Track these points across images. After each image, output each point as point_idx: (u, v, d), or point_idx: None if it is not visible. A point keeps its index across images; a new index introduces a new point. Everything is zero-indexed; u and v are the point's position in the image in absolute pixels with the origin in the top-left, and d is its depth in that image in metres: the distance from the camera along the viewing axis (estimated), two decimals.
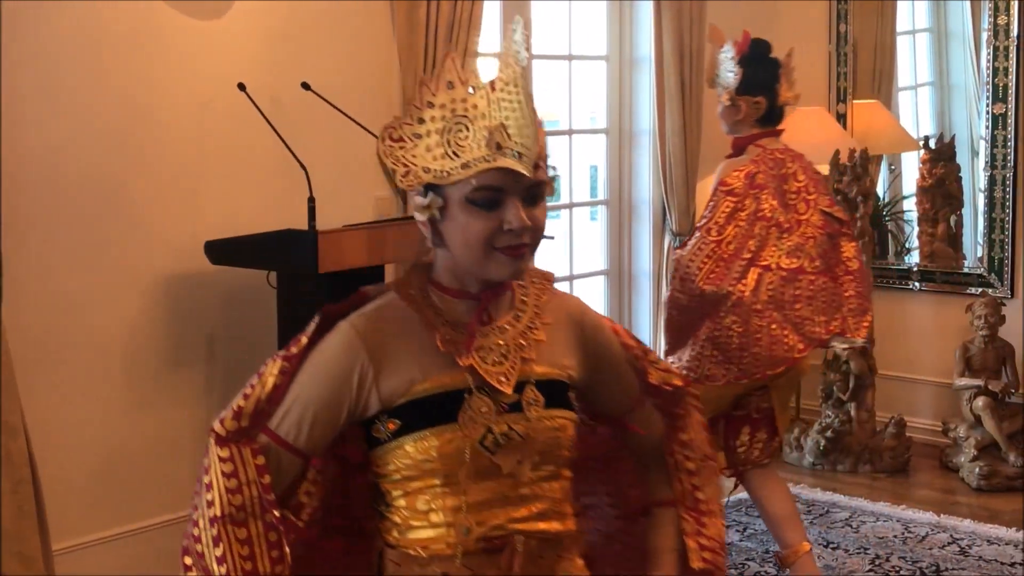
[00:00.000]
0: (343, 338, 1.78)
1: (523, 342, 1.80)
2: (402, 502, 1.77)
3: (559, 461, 1.80)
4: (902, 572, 4.23)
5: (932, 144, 5.85)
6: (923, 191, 5.87)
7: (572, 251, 5.62)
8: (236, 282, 4.04)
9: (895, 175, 6.25)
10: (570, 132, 5.58)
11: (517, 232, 1.70)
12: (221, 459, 1.74)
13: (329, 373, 1.76)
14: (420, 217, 1.76)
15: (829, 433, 5.45)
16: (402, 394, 1.75)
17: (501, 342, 1.78)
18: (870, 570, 4.25)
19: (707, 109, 5.63)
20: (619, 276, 5.75)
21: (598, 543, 2.02)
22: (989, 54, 5.46)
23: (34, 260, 3.60)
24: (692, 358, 3.75)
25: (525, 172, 1.68)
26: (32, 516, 3.34)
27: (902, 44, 6.16)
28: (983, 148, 5.56)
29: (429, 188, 1.74)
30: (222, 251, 3.83)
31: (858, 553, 4.40)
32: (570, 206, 5.67)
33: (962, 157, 5.80)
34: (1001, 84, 5.44)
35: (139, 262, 3.87)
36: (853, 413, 5.46)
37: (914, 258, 5.97)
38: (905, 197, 6.14)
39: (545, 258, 5.51)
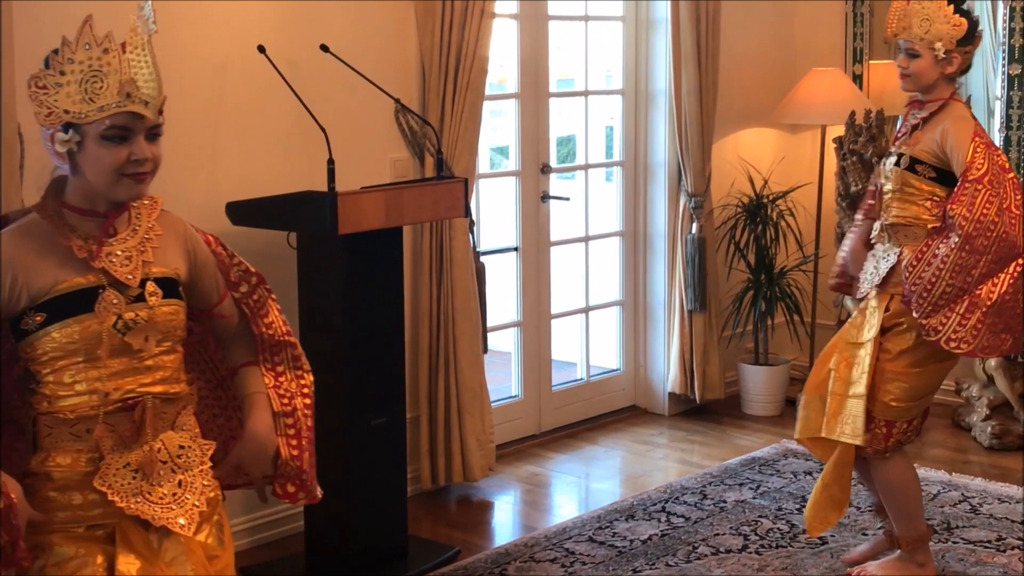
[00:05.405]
0: None
1: (142, 248, 2.29)
2: (51, 378, 2.22)
3: (175, 339, 2.33)
4: None
5: None
6: None
7: (588, 212, 5.65)
8: (256, 243, 4.09)
9: None
10: (586, 93, 5.60)
11: (141, 161, 2.20)
12: None
13: None
14: (60, 149, 2.20)
15: None
16: (46, 292, 2.21)
17: (123, 249, 2.26)
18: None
19: (723, 71, 5.64)
20: (634, 237, 5.78)
21: (203, 398, 2.61)
22: (1006, 14, 5.45)
23: None
24: (973, 327, 3.47)
25: (150, 116, 2.19)
26: None
27: None
28: (998, 108, 5.56)
29: (69, 126, 2.18)
30: (243, 212, 3.88)
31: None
32: (586, 167, 5.69)
33: (978, 117, 5.74)
34: (1017, 45, 5.43)
35: None
36: None
37: None
38: None
39: (561, 219, 5.55)
